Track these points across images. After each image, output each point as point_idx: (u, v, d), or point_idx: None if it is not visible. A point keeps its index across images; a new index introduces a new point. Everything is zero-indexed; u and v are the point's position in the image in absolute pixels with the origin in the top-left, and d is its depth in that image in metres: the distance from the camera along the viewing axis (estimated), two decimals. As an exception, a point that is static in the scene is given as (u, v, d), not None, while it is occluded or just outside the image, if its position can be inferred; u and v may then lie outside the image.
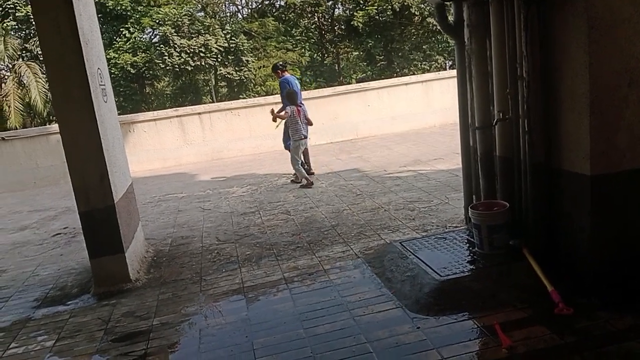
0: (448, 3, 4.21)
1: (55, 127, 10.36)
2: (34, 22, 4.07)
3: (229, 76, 21.12)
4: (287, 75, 8.36)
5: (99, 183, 4.28)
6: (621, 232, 3.13)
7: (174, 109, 12.59)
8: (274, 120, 7.48)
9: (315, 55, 24.37)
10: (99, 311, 3.98)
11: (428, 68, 21.68)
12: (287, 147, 7.97)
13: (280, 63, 8.99)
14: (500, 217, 3.62)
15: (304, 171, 7.59)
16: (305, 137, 7.57)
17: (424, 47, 22.46)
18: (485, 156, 3.97)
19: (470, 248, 3.90)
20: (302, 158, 7.76)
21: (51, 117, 19.08)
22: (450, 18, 4.37)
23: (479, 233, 3.70)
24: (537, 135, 3.38)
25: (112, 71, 19.01)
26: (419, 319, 3.17)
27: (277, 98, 12.43)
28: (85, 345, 3.46)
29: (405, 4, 20.53)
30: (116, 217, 4.33)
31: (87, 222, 4.33)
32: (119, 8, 19.90)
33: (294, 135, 7.44)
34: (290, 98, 7.49)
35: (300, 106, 7.65)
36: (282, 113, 7.57)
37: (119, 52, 19.73)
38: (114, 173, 4.47)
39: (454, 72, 4.48)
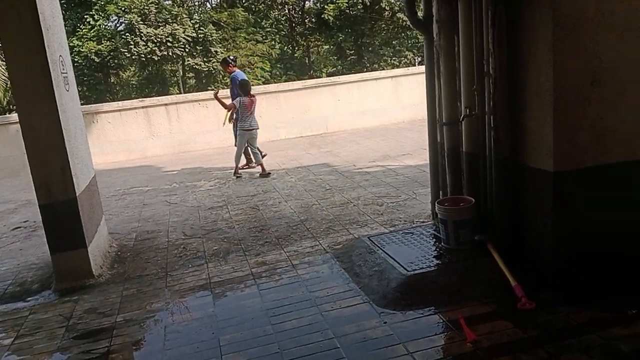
0: (418, -1, 4.23)
1: (15, 116, 9.99)
2: (-9, 7, 3.88)
3: (197, 67, 20.80)
4: (237, 71, 8.55)
5: (60, 175, 4.15)
6: (581, 228, 3.20)
7: (140, 99, 12.31)
8: (219, 102, 8.00)
9: (286, 47, 24.25)
10: (60, 308, 3.86)
11: (398, 64, 21.84)
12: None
13: (232, 57, 9.24)
14: (466, 212, 3.67)
15: (259, 157, 7.94)
16: (255, 129, 7.88)
17: (393, 42, 22.62)
18: (452, 152, 4.01)
19: (437, 243, 3.95)
20: (254, 149, 8.02)
21: (11, 106, 18.37)
22: (420, 13, 4.39)
23: (445, 228, 3.74)
24: (502, 132, 3.42)
25: (76, 59, 18.45)
26: (386, 314, 3.19)
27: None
28: (45, 343, 3.35)
29: (376, -2, 20.61)
30: (78, 211, 4.20)
31: (48, 215, 4.19)
32: (83, -6, 19.34)
33: (242, 124, 7.72)
34: (243, 88, 7.75)
35: (253, 97, 7.87)
36: (228, 103, 7.87)
37: (82, 39, 19.17)
38: (76, 165, 4.33)
39: (423, 69, 4.51)
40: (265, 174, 7.73)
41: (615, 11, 3.03)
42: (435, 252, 3.81)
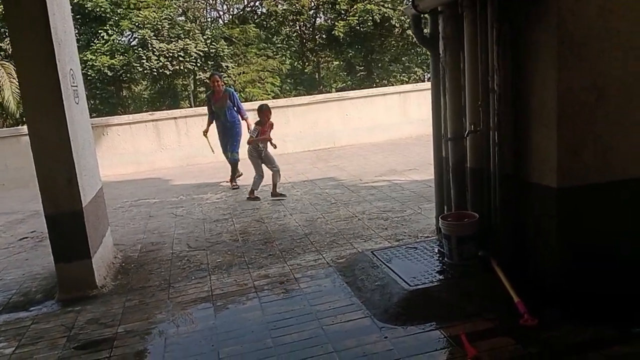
0: (424, 15, 4.26)
1: (26, 128, 10.14)
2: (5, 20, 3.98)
3: (208, 81, 20.97)
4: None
5: (67, 186, 4.19)
6: (585, 245, 3.18)
7: (150, 112, 12.42)
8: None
9: (296, 63, 24.40)
10: (62, 318, 3.88)
11: (407, 80, 21.89)
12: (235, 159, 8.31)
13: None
14: (469, 228, 3.65)
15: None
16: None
17: (403, 59, 22.69)
18: (456, 167, 4.01)
19: (440, 258, 3.92)
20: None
21: (24, 118, 18.64)
22: (426, 30, 4.42)
23: (448, 243, 3.72)
24: (507, 148, 3.42)
25: (89, 73, 18.69)
26: (387, 329, 3.17)
27: (256, 104, 12.46)
28: (46, 353, 3.36)
29: (386, 15, 20.71)
30: (83, 222, 4.23)
31: (54, 225, 4.23)
32: (97, 10, 19.60)
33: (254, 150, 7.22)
34: (263, 113, 7.13)
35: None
36: (256, 134, 7.12)
37: (96, 54, 19.42)
38: (83, 176, 4.38)
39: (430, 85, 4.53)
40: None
41: (620, 29, 3.04)
42: (439, 267, 3.79)
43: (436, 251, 4.09)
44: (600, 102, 3.07)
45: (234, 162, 8.30)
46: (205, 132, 8.31)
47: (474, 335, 2.94)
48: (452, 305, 3.29)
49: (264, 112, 7.08)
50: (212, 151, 8.45)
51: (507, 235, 3.53)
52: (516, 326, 2.98)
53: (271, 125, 7.22)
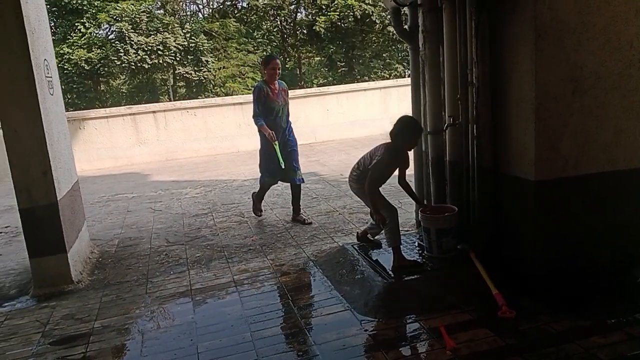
0: (403, 8, 4.26)
1: None
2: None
3: (187, 76, 20.74)
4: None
5: (42, 179, 4.10)
6: (561, 237, 3.22)
7: (128, 106, 12.25)
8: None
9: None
10: (37, 313, 3.79)
11: (388, 76, 21.93)
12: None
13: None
14: (448, 221, 3.67)
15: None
16: None
17: (384, 55, 22.72)
18: (436, 161, 4.02)
19: (420, 251, 3.94)
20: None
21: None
22: (406, 24, 4.42)
23: (428, 237, 3.73)
24: (485, 141, 3.44)
25: (66, 67, 18.33)
26: (367, 322, 3.17)
27: (237, 99, 12.39)
28: (20, 349, 3.28)
29: (367, 12, 20.73)
30: (59, 215, 4.15)
31: (28, 219, 4.13)
32: (74, 2, 19.21)
33: None
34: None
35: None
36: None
37: (73, 47, 19.04)
38: (58, 169, 4.28)
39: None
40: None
41: (596, 23, 3.07)
42: (419, 260, 3.79)
43: (416, 244, 4.11)
44: (576, 95, 3.11)
45: (300, 183, 5.71)
46: (273, 139, 5.43)
47: (453, 327, 2.96)
48: (431, 298, 3.30)
49: None
50: (282, 164, 5.50)
51: (486, 228, 3.56)
52: (495, 318, 3.00)
53: None
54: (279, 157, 5.44)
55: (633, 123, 3.21)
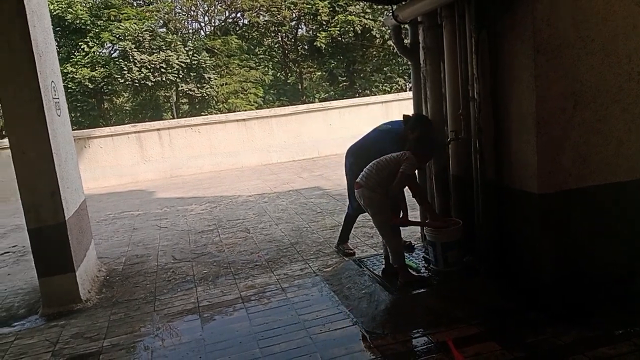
0: (404, 26, 4.33)
1: (7, 141, 9.98)
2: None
3: (190, 93, 20.92)
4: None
5: (50, 199, 4.15)
6: (566, 249, 3.24)
7: (132, 124, 12.36)
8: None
9: (279, 74, 24.49)
10: (46, 333, 3.82)
11: (389, 89, 22.07)
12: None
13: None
14: (453, 234, 3.69)
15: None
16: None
17: (385, 69, 22.89)
18: (439, 174, 4.06)
19: (426, 265, 3.96)
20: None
21: (4, 131, 18.37)
22: (407, 41, 4.49)
23: (433, 250, 3.76)
24: (488, 154, 3.48)
25: (69, 86, 18.51)
26: (375, 336, 3.18)
27: (240, 115, 12.48)
28: (30, 369, 3.31)
29: (367, 26, 20.94)
30: (67, 235, 4.19)
31: (36, 239, 4.17)
32: (78, 22, 19.50)
33: None
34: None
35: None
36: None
37: (76, 66, 19.27)
38: (65, 189, 4.34)
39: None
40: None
41: (595, 38, 3.12)
42: (425, 273, 3.82)
43: (422, 258, 4.13)
44: (577, 109, 3.15)
45: None
46: None
47: (460, 341, 2.97)
48: (438, 312, 3.32)
49: None
50: None
51: (491, 241, 3.58)
52: (502, 331, 3.01)
53: None
54: None
55: (634, 135, 3.25)
